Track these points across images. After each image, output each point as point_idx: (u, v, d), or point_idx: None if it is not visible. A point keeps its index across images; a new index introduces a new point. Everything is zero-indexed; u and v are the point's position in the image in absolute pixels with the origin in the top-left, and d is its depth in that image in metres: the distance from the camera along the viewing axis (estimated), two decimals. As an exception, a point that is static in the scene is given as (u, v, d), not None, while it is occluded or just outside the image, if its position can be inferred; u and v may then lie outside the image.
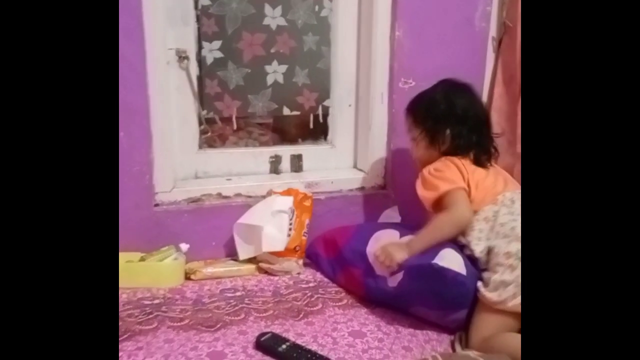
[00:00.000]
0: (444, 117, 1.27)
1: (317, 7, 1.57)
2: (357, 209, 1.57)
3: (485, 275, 1.11)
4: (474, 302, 1.12)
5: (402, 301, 1.18)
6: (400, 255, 1.13)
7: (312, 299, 1.24)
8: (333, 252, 1.35)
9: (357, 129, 1.66)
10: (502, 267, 1.08)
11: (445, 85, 1.31)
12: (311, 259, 1.42)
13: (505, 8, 1.60)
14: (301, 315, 1.16)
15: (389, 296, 1.18)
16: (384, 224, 1.40)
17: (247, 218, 1.38)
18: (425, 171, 1.27)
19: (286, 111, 1.62)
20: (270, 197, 1.44)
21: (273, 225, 1.36)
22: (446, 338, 1.13)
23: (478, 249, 1.15)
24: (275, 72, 1.57)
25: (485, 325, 1.08)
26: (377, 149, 1.59)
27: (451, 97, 1.28)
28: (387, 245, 1.17)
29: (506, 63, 1.60)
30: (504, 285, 1.06)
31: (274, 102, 1.59)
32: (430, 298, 1.12)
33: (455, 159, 1.26)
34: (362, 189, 1.60)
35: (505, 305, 1.06)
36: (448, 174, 1.22)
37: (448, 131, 1.27)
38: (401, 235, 1.23)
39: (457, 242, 1.20)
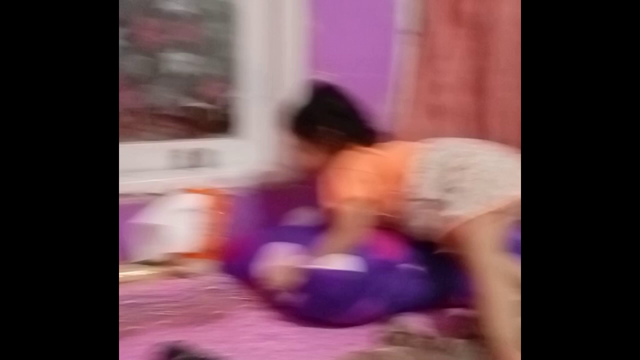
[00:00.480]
0: (318, 120, 1.29)
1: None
2: (270, 206, 1.50)
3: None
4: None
5: (309, 312, 1.15)
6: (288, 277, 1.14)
7: (220, 303, 1.16)
8: (236, 260, 1.30)
9: (268, 122, 1.58)
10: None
11: (313, 91, 1.33)
12: (217, 267, 1.32)
13: (418, 1, 1.58)
14: (211, 321, 1.07)
15: (301, 310, 1.15)
16: (286, 231, 1.35)
17: (148, 217, 1.26)
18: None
19: (191, 102, 1.51)
20: (175, 194, 1.33)
21: (179, 224, 1.26)
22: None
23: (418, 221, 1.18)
24: (177, 60, 1.46)
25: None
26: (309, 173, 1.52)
27: (319, 98, 1.31)
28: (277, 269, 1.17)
29: (419, 54, 1.59)
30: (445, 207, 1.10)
31: (178, 93, 1.48)
32: (321, 304, 1.12)
33: (350, 158, 1.26)
34: (275, 184, 1.53)
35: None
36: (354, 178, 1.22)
37: (328, 131, 1.28)
38: (298, 249, 1.20)
39: None
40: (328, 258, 1.12)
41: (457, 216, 1.08)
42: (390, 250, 1.20)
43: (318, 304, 1.11)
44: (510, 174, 1.10)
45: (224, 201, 1.37)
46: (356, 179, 1.22)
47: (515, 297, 0.97)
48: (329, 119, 1.29)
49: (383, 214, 1.24)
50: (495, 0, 1.51)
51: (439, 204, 1.13)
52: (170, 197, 1.32)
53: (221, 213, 1.34)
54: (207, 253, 1.30)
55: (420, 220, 1.18)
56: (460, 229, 1.08)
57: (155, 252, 1.26)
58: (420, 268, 1.19)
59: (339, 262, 1.12)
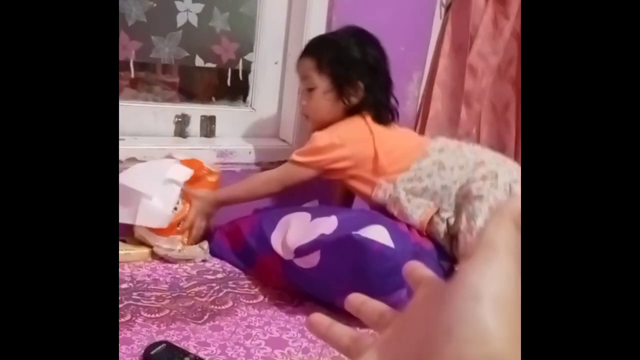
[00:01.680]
0: (357, 66, 1.12)
1: (244, -62, 1.29)
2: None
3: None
4: None
5: (327, 288, 0.97)
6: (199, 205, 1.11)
7: (220, 295, 1.00)
8: (239, 244, 1.12)
9: (283, 93, 1.41)
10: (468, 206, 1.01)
11: (355, 32, 1.15)
12: (215, 254, 1.15)
13: (457, -30, 1.42)
14: (206, 317, 0.91)
15: (311, 282, 0.98)
16: (296, 207, 1.18)
17: (128, 179, 1.08)
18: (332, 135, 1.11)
19: (199, 62, 1.33)
20: (166, 160, 1.16)
21: (159, 197, 1.09)
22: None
23: (416, 215, 1.06)
24: (188, 10, 1.27)
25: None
26: (305, 118, 1.36)
27: (364, 46, 1.13)
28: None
29: (455, 31, 1.42)
30: (474, 217, 1.00)
31: (184, 49, 1.29)
32: (354, 279, 0.92)
33: (362, 120, 1.13)
34: (284, 162, 1.36)
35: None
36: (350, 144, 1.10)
37: (361, 83, 1.11)
38: (313, 218, 1.03)
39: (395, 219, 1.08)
40: (370, 229, 0.94)
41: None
42: (419, 237, 1.05)
43: (354, 282, 0.91)
44: None
45: (229, 177, 1.21)
46: (338, 145, 1.10)
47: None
48: (366, 76, 1.12)
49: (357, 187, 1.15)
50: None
51: (460, 212, 1.02)
52: (162, 162, 1.15)
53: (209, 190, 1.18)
54: (187, 231, 1.13)
55: (428, 221, 1.06)
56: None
57: (125, 218, 1.08)
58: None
59: (384, 236, 0.93)
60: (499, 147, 1.51)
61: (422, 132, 1.44)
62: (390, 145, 1.12)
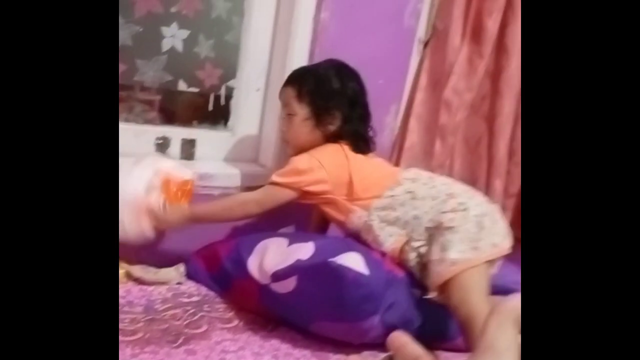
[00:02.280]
0: (336, 97, 1.16)
1: (232, -31, 1.33)
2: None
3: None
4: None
5: (301, 313, 1.00)
6: (173, 218, 1.08)
7: (195, 319, 1.00)
8: (215, 267, 1.13)
9: (264, 118, 1.44)
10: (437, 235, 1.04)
11: (336, 65, 1.20)
12: (191, 277, 1.15)
13: (435, 9, 1.49)
14: (180, 340, 0.92)
15: (286, 307, 1.00)
16: (273, 232, 1.20)
17: None
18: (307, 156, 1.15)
19: (182, 86, 1.35)
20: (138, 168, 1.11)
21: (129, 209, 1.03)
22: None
23: (388, 243, 1.08)
24: (173, 36, 1.30)
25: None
26: (285, 144, 1.39)
27: (344, 78, 1.18)
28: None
29: (432, 67, 1.48)
30: (445, 248, 1.01)
31: (168, 73, 1.32)
32: (329, 305, 0.95)
33: (340, 147, 1.17)
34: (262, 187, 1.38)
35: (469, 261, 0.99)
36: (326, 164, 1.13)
37: (338, 113, 1.16)
38: (290, 244, 1.05)
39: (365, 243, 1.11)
40: (346, 256, 0.97)
41: (457, 260, 0.99)
42: (391, 265, 1.08)
43: (329, 308, 0.96)
44: (503, 224, 1.08)
45: (208, 201, 1.22)
46: (315, 169, 1.13)
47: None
48: (344, 106, 1.16)
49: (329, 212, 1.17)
50: (519, 23, 1.43)
51: (431, 242, 1.05)
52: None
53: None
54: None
55: (400, 249, 1.09)
56: (458, 274, 0.99)
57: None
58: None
59: (359, 264, 0.96)
60: (471, 179, 1.56)
61: (397, 162, 1.48)
62: (365, 172, 1.15)
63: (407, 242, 1.08)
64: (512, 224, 1.64)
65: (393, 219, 1.10)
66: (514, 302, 0.27)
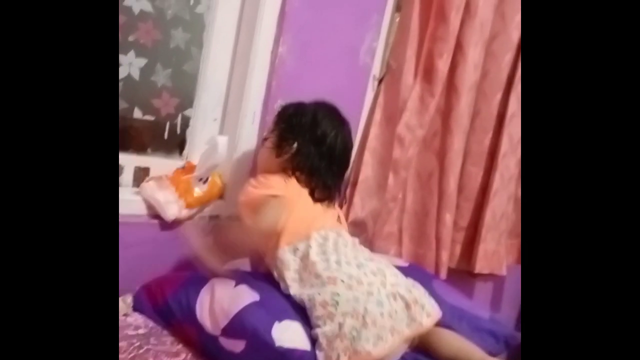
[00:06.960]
0: (301, 129, 1.19)
1: (192, 0, 1.35)
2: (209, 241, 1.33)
3: (313, 332, 1.00)
4: None
5: None
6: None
7: (141, 352, 0.97)
8: (160, 304, 1.11)
9: (220, 148, 1.44)
10: (322, 319, 0.99)
11: (323, 106, 1.24)
12: (137, 309, 1.13)
13: (389, 49, 1.55)
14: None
15: None
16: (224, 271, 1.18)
17: None
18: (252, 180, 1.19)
19: (137, 114, 1.34)
20: None
21: None
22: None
23: (293, 291, 1.06)
24: (130, 64, 1.29)
25: None
26: (240, 174, 1.38)
27: (319, 117, 1.20)
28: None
29: (386, 103, 1.53)
30: (330, 340, 0.96)
31: (124, 101, 1.31)
32: None
33: (290, 179, 1.18)
34: (216, 217, 1.38)
35: None
36: (272, 182, 1.15)
37: (295, 144, 1.18)
38: (237, 284, 1.07)
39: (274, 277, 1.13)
40: (290, 331, 0.98)
41: (369, 351, 0.95)
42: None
43: None
44: (427, 299, 1.09)
45: (156, 232, 1.20)
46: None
47: None
48: (311, 146, 1.19)
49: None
50: (467, 65, 1.50)
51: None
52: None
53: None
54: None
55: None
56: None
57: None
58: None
59: (301, 338, 0.98)
60: (423, 212, 1.60)
61: (352, 195, 1.50)
62: (294, 207, 1.14)
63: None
64: (462, 257, 1.70)
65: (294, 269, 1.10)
66: None
